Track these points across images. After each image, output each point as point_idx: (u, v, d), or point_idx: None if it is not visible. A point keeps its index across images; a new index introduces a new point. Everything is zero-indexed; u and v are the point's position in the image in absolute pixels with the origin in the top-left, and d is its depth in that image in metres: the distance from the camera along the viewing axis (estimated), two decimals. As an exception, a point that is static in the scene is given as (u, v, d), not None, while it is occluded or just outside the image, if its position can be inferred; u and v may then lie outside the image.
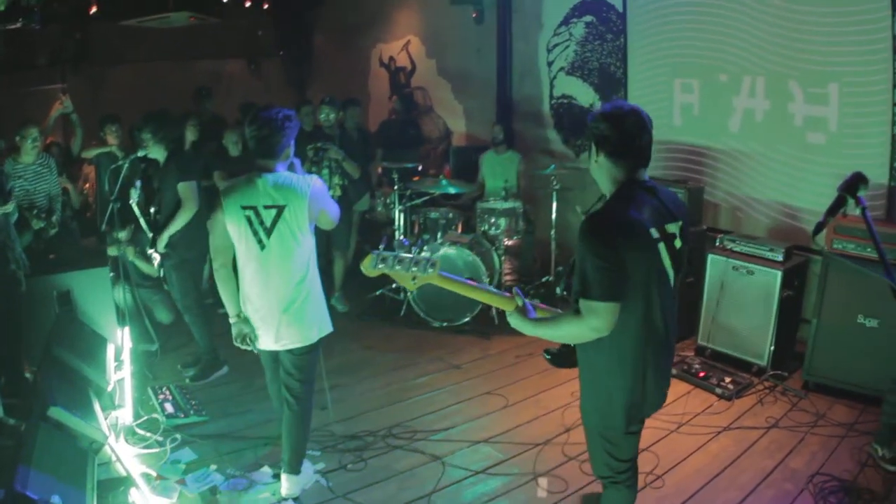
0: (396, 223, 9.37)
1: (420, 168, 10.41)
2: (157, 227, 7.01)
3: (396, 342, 8.15)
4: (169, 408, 6.34)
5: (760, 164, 8.18)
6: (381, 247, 3.94)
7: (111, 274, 7.39)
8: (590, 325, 3.40)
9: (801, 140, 7.77)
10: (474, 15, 11.85)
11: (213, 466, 5.48)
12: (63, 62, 14.37)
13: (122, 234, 7.97)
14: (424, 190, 9.35)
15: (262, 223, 4.76)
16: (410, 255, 3.93)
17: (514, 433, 6.18)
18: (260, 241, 4.78)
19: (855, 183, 4.09)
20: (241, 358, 7.48)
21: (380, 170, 10.99)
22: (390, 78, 14.43)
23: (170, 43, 14.65)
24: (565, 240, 9.55)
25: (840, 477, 5.39)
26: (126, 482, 5.15)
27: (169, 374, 7.30)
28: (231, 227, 4.80)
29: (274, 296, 4.88)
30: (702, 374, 7.01)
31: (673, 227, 3.56)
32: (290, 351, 5.03)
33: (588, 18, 10.24)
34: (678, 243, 3.59)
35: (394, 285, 9.32)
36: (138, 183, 6.85)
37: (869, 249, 6.37)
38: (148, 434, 5.89)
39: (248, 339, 5.00)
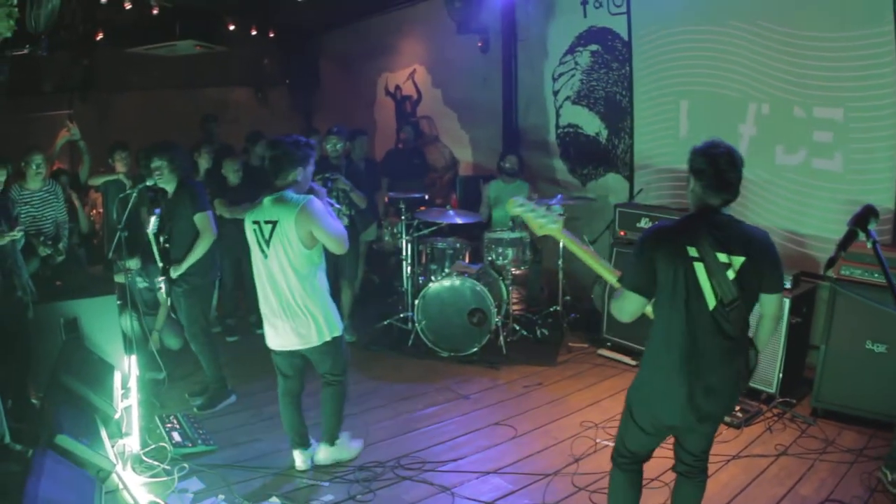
0: (404, 253, 9.33)
1: (426, 197, 10.38)
2: (167, 256, 6.97)
3: (405, 372, 8.10)
4: (177, 436, 6.29)
5: (767, 190, 8.17)
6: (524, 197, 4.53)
7: (118, 301, 7.37)
8: (617, 304, 4.15)
9: (806, 166, 7.78)
10: (480, 44, 11.89)
11: (222, 496, 5.42)
12: (70, 89, 14.39)
13: (132, 263, 7.96)
14: (432, 220, 9.30)
15: (263, 235, 5.48)
16: (545, 206, 4.40)
17: (524, 464, 6.11)
18: (263, 251, 5.50)
19: (865, 216, 4.15)
20: (249, 387, 7.53)
21: (386, 199, 10.97)
22: (396, 107, 14.44)
23: (176, 71, 14.71)
24: (572, 269, 9.54)
25: (850, 503, 5.36)
26: (133, 511, 5.12)
27: (177, 402, 7.26)
28: (248, 239, 5.57)
29: (274, 301, 5.58)
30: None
31: (725, 258, 3.87)
32: (299, 350, 5.76)
33: (593, 47, 10.26)
34: (730, 274, 3.86)
35: (401, 315, 9.36)
36: (157, 211, 6.82)
37: (876, 275, 6.38)
38: (155, 463, 5.82)
39: None
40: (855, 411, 6.60)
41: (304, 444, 5.96)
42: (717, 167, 3.95)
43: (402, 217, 9.24)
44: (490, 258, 9.04)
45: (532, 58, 11.25)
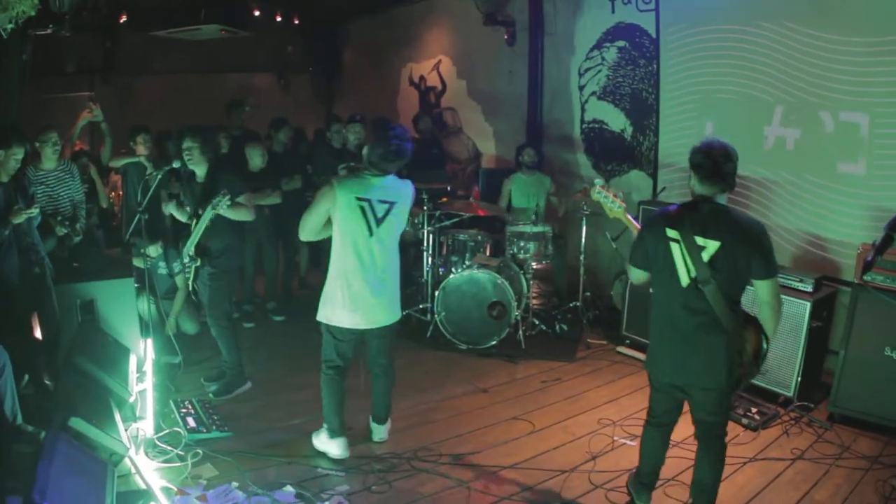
0: (425, 244, 9.26)
1: (449, 189, 10.32)
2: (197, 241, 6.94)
3: (423, 364, 8.05)
4: (191, 422, 6.25)
5: (790, 193, 8.07)
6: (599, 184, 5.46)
7: (135, 285, 7.34)
8: (629, 273, 5.12)
9: (831, 170, 7.69)
10: (506, 37, 11.83)
11: (235, 483, 5.36)
12: (92, 71, 14.39)
13: (152, 250, 7.92)
14: (454, 212, 9.24)
15: (374, 214, 5.56)
16: (613, 193, 5.35)
17: (540, 459, 6.05)
18: (369, 229, 5.56)
19: None
20: (265, 374, 7.49)
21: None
22: (420, 97, 14.41)
23: (199, 55, 14.70)
24: (594, 265, 9.47)
25: (863, 510, 5.33)
26: (146, 496, 5.10)
27: (192, 387, 7.21)
28: (340, 214, 5.52)
29: (374, 277, 5.69)
30: (728, 405, 6.91)
31: (701, 241, 4.43)
32: (378, 329, 5.87)
33: (621, 43, 10.17)
34: (705, 256, 4.41)
35: (420, 306, 9.32)
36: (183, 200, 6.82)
37: None
38: (169, 448, 5.78)
39: None
40: (871, 418, 6.56)
41: (345, 433, 6.00)
42: (714, 160, 4.48)
43: (424, 207, 9.16)
44: (512, 251, 8.97)
45: (558, 52, 11.18)
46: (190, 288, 7.30)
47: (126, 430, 5.61)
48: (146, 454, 5.72)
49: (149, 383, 6.23)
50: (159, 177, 6.80)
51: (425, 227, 9.19)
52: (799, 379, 6.99)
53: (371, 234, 5.56)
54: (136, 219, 6.88)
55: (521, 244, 8.89)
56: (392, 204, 5.61)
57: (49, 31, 8.64)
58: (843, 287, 7.36)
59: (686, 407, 4.89)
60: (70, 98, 13.63)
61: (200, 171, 6.90)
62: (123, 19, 12.88)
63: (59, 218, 7.26)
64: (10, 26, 6.74)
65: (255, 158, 9.16)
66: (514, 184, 10.09)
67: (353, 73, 16.74)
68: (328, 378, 5.92)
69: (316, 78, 16.99)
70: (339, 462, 5.81)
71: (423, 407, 7.01)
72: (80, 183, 8.04)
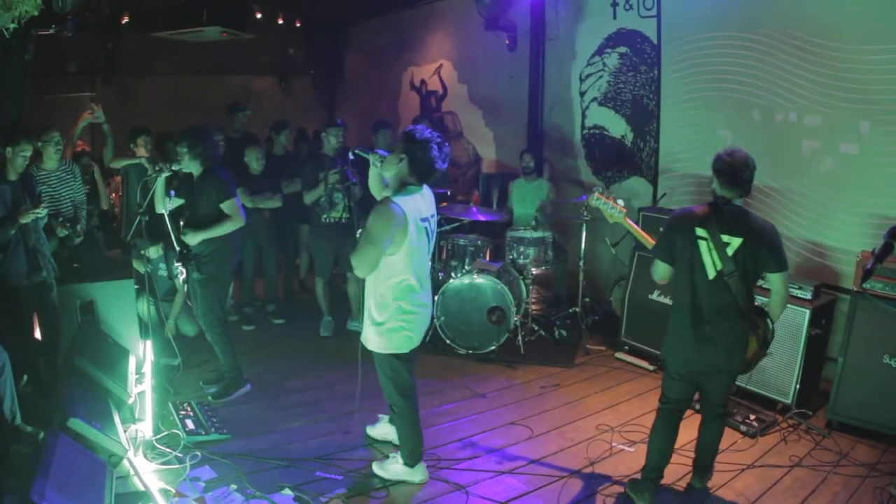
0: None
1: (448, 193, 10.32)
2: (184, 242, 6.94)
3: (422, 368, 7.94)
4: (190, 424, 6.25)
5: (791, 200, 8.09)
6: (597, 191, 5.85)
7: (135, 286, 7.35)
8: (652, 269, 5.37)
9: (831, 177, 7.71)
10: (507, 42, 11.86)
11: (233, 486, 5.36)
12: (93, 71, 14.40)
13: (153, 251, 7.92)
14: (454, 217, 9.24)
15: (431, 232, 5.47)
16: (612, 199, 5.73)
17: (539, 465, 6.05)
18: (429, 250, 5.49)
19: None
20: (264, 377, 7.51)
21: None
22: (421, 101, 14.41)
23: (200, 57, 14.73)
24: (594, 270, 9.47)
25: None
26: (144, 497, 5.11)
27: (191, 389, 7.22)
28: (410, 239, 5.17)
29: (426, 297, 5.56)
30: (725, 411, 6.93)
31: (727, 238, 4.95)
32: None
33: (622, 49, 10.19)
34: (729, 251, 4.94)
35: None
36: (172, 193, 6.79)
37: None
38: (168, 450, 5.78)
39: None
40: (870, 425, 6.58)
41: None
42: (734, 167, 4.97)
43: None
44: (511, 257, 8.99)
45: (560, 57, 11.19)
46: (186, 290, 7.32)
47: (125, 431, 5.62)
48: (145, 456, 5.72)
49: (148, 385, 6.24)
50: (158, 178, 6.79)
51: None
52: (797, 386, 7.00)
53: (429, 252, 5.48)
54: (137, 220, 6.89)
55: (521, 249, 8.92)
56: (433, 216, 5.50)
57: (51, 31, 8.66)
58: (843, 294, 7.38)
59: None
60: (72, 98, 13.65)
61: (196, 172, 6.93)
62: (125, 20, 12.88)
63: (60, 219, 7.26)
64: (12, 26, 6.76)
65: (252, 162, 9.18)
66: (515, 189, 10.12)
67: (354, 76, 16.75)
68: (412, 390, 5.73)
69: (317, 81, 17.01)
70: (336, 466, 5.79)
71: (421, 411, 6.95)
72: (81, 183, 8.05)
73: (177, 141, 6.92)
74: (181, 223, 6.98)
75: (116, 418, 5.61)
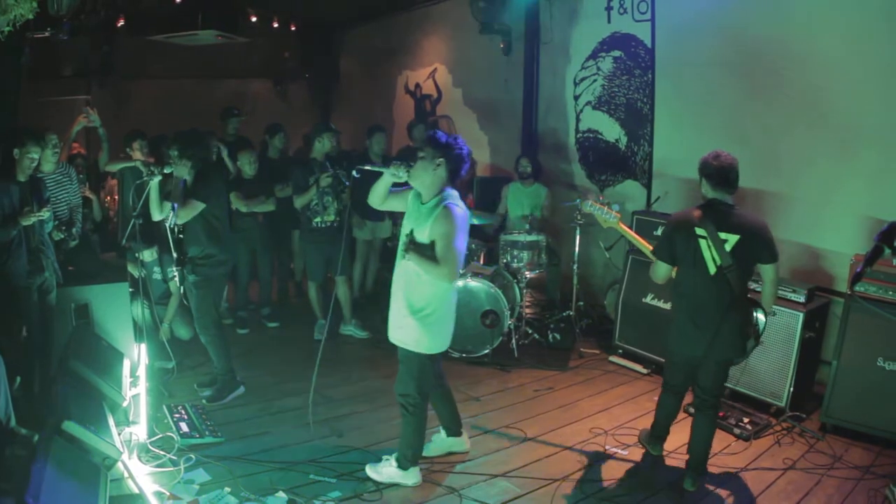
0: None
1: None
2: (181, 246, 6.96)
3: (414, 371, 8.05)
4: (184, 427, 6.26)
5: (785, 203, 8.10)
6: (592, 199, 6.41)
7: (130, 289, 7.35)
8: (652, 270, 5.76)
9: (824, 180, 7.74)
10: (502, 45, 11.86)
11: (227, 489, 5.37)
12: (88, 75, 14.39)
13: (147, 254, 7.93)
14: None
15: None
16: (606, 206, 6.20)
17: (532, 468, 6.06)
18: None
19: (892, 233, 4.39)
20: (258, 379, 7.51)
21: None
22: (415, 105, 14.41)
23: (196, 60, 14.71)
24: (588, 273, 9.48)
25: (855, 520, 5.34)
26: (138, 500, 5.12)
27: (185, 392, 7.23)
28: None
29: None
30: (720, 414, 6.89)
31: (724, 235, 5.35)
32: None
33: (616, 53, 10.21)
34: (727, 247, 5.34)
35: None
36: (175, 207, 6.80)
37: (891, 293, 6.48)
38: (162, 452, 5.80)
39: None
40: (863, 428, 6.61)
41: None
42: (722, 170, 5.42)
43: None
44: (505, 260, 9.00)
45: (554, 61, 11.20)
46: (181, 292, 7.33)
47: (119, 434, 5.62)
48: (139, 459, 5.74)
49: (142, 388, 6.23)
50: (152, 181, 6.79)
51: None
52: (791, 389, 7.02)
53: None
54: (131, 223, 6.89)
55: (515, 253, 8.92)
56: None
57: (47, 34, 8.66)
58: (837, 298, 7.39)
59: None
60: (67, 101, 13.63)
61: (188, 176, 6.93)
62: (121, 23, 12.87)
63: (56, 222, 7.27)
64: (7, 29, 6.76)
65: (244, 167, 9.19)
66: (510, 192, 10.12)
67: (349, 80, 16.75)
68: (426, 407, 5.82)
69: (312, 84, 16.99)
70: (330, 469, 5.80)
71: (415, 414, 7.03)
72: (77, 186, 8.04)
73: (168, 144, 6.94)
74: (177, 231, 6.99)
75: (111, 421, 5.61)
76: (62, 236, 7.29)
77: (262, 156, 9.81)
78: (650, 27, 9.62)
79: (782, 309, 7.04)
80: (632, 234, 6.21)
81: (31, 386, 6.55)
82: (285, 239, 10.32)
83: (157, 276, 8.30)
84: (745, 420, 6.89)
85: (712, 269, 5.41)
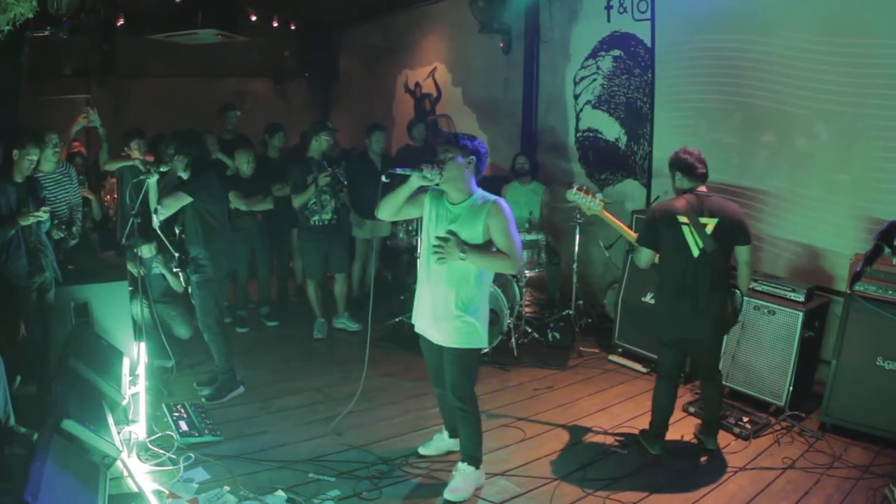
0: (418, 250, 9.25)
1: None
2: (183, 246, 6.97)
3: (415, 370, 8.01)
4: (183, 426, 6.27)
5: (784, 201, 8.09)
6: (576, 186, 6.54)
7: (129, 288, 7.35)
8: (636, 256, 6.15)
9: (823, 179, 7.72)
10: (501, 44, 11.84)
11: (227, 488, 5.37)
12: (88, 73, 14.38)
13: (146, 250, 7.92)
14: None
15: None
16: (591, 193, 6.44)
17: (532, 467, 6.07)
18: None
19: (891, 232, 4.37)
20: (258, 379, 7.51)
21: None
22: (415, 104, 14.40)
23: (195, 59, 14.71)
24: (587, 272, 9.46)
25: (854, 520, 5.34)
26: (137, 499, 5.13)
27: (184, 391, 7.24)
28: None
29: None
30: (721, 414, 6.91)
31: (705, 220, 5.78)
32: None
33: (616, 52, 10.19)
34: (708, 231, 5.75)
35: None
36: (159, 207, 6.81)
37: (891, 292, 6.47)
38: (161, 451, 5.80)
39: None
40: (863, 427, 6.59)
41: None
42: (692, 165, 5.93)
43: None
44: (504, 259, 8.95)
45: (554, 60, 11.18)
46: (182, 290, 7.34)
47: (119, 432, 5.61)
48: (138, 457, 5.74)
49: (142, 386, 6.24)
50: (149, 180, 6.79)
51: (418, 233, 9.18)
52: (790, 388, 7.00)
53: None
54: (130, 222, 6.89)
55: (515, 252, 8.88)
56: None
57: (47, 33, 8.65)
58: (836, 297, 7.37)
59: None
60: (67, 100, 13.62)
61: (186, 175, 6.93)
62: (121, 22, 12.87)
63: (56, 221, 7.27)
64: (7, 28, 6.75)
65: (242, 165, 9.22)
66: (509, 193, 10.07)
67: (348, 78, 16.74)
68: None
69: (312, 83, 16.98)
70: (329, 468, 5.79)
71: (414, 413, 7.02)
72: (77, 186, 8.04)
73: (166, 143, 6.95)
74: (178, 230, 7.01)
75: (110, 420, 5.61)
76: (62, 235, 7.29)
77: (261, 155, 9.81)
78: (650, 26, 9.60)
79: (782, 308, 7.05)
80: (615, 222, 6.47)
81: (30, 385, 6.56)
82: (284, 237, 10.30)
83: (157, 270, 8.27)
84: (745, 419, 6.87)
85: (696, 252, 5.80)
